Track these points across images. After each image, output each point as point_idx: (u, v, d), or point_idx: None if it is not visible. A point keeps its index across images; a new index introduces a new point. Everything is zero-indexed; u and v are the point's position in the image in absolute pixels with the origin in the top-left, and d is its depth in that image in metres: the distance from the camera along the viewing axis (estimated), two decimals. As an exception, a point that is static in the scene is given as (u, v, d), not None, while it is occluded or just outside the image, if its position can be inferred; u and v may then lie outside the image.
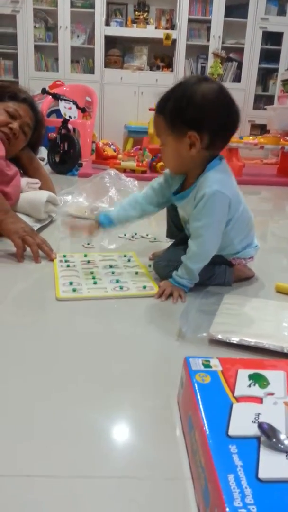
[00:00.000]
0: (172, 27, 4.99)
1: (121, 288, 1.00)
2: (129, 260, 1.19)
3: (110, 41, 4.95)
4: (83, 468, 0.50)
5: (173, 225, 1.20)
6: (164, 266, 1.04)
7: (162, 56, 5.13)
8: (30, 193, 1.52)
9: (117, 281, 1.04)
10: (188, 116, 0.89)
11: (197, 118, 0.89)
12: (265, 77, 5.26)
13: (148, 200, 1.09)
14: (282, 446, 0.45)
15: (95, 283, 1.02)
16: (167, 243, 1.29)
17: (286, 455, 0.44)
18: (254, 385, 0.55)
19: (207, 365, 0.59)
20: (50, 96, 2.96)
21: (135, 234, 1.47)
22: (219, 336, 0.77)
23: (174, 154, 0.95)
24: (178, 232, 1.18)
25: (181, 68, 5.01)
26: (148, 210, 1.10)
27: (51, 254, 1.17)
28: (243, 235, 1.03)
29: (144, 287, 1.01)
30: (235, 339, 0.76)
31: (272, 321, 0.85)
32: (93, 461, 0.51)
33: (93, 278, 1.05)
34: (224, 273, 1.05)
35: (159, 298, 0.96)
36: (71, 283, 1.01)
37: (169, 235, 1.25)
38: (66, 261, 1.16)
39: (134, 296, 0.97)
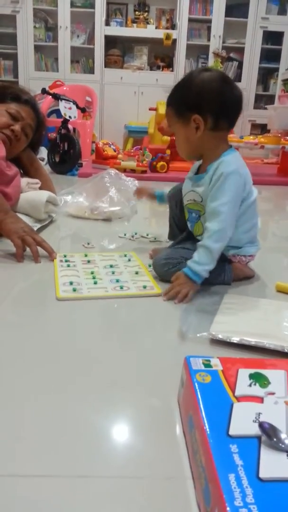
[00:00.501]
0: (173, 26, 4.99)
1: (121, 287, 1.00)
2: (129, 260, 1.19)
3: (110, 41, 4.96)
4: (83, 468, 0.50)
5: (175, 226, 1.20)
6: (163, 263, 1.03)
7: (162, 56, 5.13)
8: (30, 193, 1.52)
9: (117, 280, 1.04)
10: (189, 101, 0.96)
11: (198, 101, 0.96)
12: (265, 76, 5.26)
13: None
14: (282, 446, 0.44)
15: (95, 283, 1.02)
16: (167, 243, 1.29)
17: (287, 455, 0.44)
18: (255, 384, 0.55)
19: (207, 364, 0.59)
20: (50, 96, 2.96)
21: (135, 234, 1.47)
22: (220, 336, 0.77)
23: (184, 140, 1.01)
24: (180, 233, 1.19)
25: (182, 68, 5.01)
26: None
27: (52, 253, 1.17)
28: (249, 224, 1.04)
29: (145, 287, 1.01)
30: (235, 339, 0.76)
31: (273, 320, 0.85)
32: (93, 461, 0.51)
33: (94, 278, 1.05)
34: (224, 271, 1.04)
35: (165, 296, 0.95)
36: (71, 283, 1.01)
37: (171, 236, 1.26)
38: (66, 261, 1.16)
39: (134, 296, 0.97)
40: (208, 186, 0.99)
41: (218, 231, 0.95)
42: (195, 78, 0.97)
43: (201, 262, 0.95)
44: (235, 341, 0.76)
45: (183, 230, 1.17)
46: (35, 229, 1.31)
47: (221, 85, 0.96)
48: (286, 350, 0.73)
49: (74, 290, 0.97)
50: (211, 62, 5.00)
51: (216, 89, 0.95)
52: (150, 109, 3.85)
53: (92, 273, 1.08)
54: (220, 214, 0.95)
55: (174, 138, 1.08)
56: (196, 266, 0.94)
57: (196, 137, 0.98)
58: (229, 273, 1.05)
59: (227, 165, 0.97)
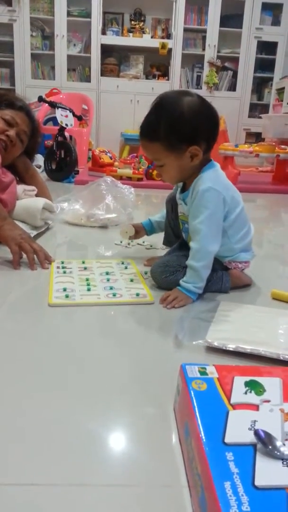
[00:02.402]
0: (168, 36, 5.04)
1: (114, 295, 1.00)
2: (126, 267, 1.20)
3: (107, 50, 4.99)
4: (79, 476, 0.49)
5: (171, 231, 1.21)
6: (160, 271, 1.04)
7: (158, 65, 5.18)
8: (27, 200, 1.52)
9: (111, 288, 1.04)
10: (184, 134, 0.93)
11: (193, 133, 0.94)
12: (260, 86, 5.32)
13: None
14: (278, 453, 0.45)
15: (88, 289, 1.02)
16: (163, 250, 1.29)
17: (282, 462, 0.44)
18: (250, 392, 0.55)
19: (203, 372, 0.59)
20: (47, 104, 2.98)
21: (131, 241, 1.47)
22: (215, 343, 0.77)
23: (176, 170, 0.99)
24: (175, 239, 1.19)
25: (177, 77, 5.06)
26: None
27: (44, 263, 1.17)
28: (241, 234, 1.05)
29: (137, 295, 1.01)
30: (231, 346, 0.76)
31: (268, 328, 0.86)
32: (89, 469, 0.51)
33: (88, 284, 1.05)
34: (221, 279, 1.05)
35: (162, 302, 0.97)
36: (64, 289, 1.01)
37: (166, 242, 1.26)
38: (63, 268, 1.16)
39: (126, 303, 0.97)
40: (191, 202, 1.00)
41: (199, 250, 0.97)
42: (181, 108, 0.92)
43: (189, 281, 0.98)
44: (231, 349, 0.76)
45: (179, 236, 1.17)
46: (32, 236, 1.31)
47: (206, 109, 0.95)
48: (281, 358, 0.73)
49: (67, 296, 0.97)
50: (206, 71, 5.05)
51: (205, 116, 0.95)
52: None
53: (87, 279, 1.08)
54: (199, 232, 0.97)
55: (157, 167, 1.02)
56: (186, 284, 0.98)
57: (190, 165, 0.97)
58: (226, 281, 1.06)
59: (203, 182, 0.97)
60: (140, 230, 1.25)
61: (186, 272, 0.99)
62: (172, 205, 1.16)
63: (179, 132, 0.93)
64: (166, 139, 0.94)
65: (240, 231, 1.05)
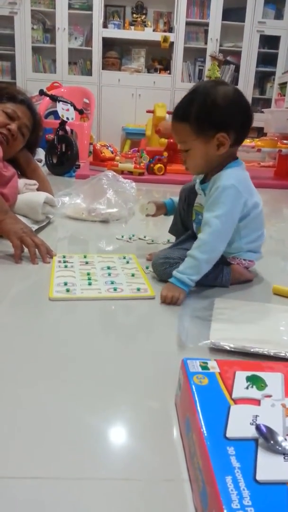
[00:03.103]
0: (170, 29, 5.00)
1: (115, 289, 1.00)
2: (128, 262, 1.19)
3: (108, 43, 4.96)
4: (80, 470, 0.50)
5: (180, 220, 1.20)
6: (161, 262, 1.03)
7: (159, 59, 5.14)
8: (28, 194, 1.52)
9: (112, 282, 1.04)
10: (215, 119, 0.93)
11: (224, 120, 0.94)
12: (262, 80, 5.29)
13: None
14: (279, 448, 0.45)
15: (89, 284, 1.02)
16: (164, 245, 1.29)
17: (284, 457, 0.44)
18: (252, 387, 0.55)
19: (204, 367, 0.59)
20: (48, 98, 2.96)
21: (133, 236, 1.47)
22: (222, 344, 0.76)
23: (202, 156, 0.98)
24: (182, 229, 1.18)
25: (179, 71, 5.03)
26: None
27: (45, 257, 1.17)
28: (253, 236, 1.05)
29: (138, 289, 1.00)
30: (238, 347, 0.75)
31: (269, 325, 0.85)
32: (91, 463, 0.51)
33: (89, 279, 1.05)
34: (221, 273, 1.04)
35: (161, 301, 0.95)
36: (65, 284, 1.01)
37: (172, 230, 1.25)
38: (64, 262, 1.16)
39: (127, 298, 0.97)
40: (209, 194, 0.99)
41: (207, 243, 0.95)
42: (216, 94, 0.93)
43: (185, 272, 0.95)
44: (238, 350, 0.74)
45: (186, 226, 1.17)
46: (33, 230, 1.31)
47: (241, 100, 0.96)
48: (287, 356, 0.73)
49: (68, 290, 0.97)
50: (208, 65, 5.02)
51: (239, 107, 0.95)
52: (147, 112, 3.85)
53: (88, 274, 1.08)
54: (212, 226, 0.95)
55: (174, 144, 1.06)
56: (178, 274, 0.95)
57: (216, 153, 0.96)
58: (226, 275, 1.05)
59: (226, 179, 0.96)
60: (161, 207, 1.24)
61: (185, 260, 0.96)
62: (186, 195, 1.16)
63: (210, 115, 0.93)
64: (196, 121, 0.94)
65: (253, 234, 1.05)
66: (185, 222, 1.19)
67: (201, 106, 0.93)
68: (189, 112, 0.94)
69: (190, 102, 0.95)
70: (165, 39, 4.82)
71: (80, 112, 3.05)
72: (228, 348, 0.75)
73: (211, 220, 0.96)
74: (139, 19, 4.91)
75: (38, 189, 1.59)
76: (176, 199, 1.23)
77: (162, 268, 1.02)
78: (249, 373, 0.58)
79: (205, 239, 0.95)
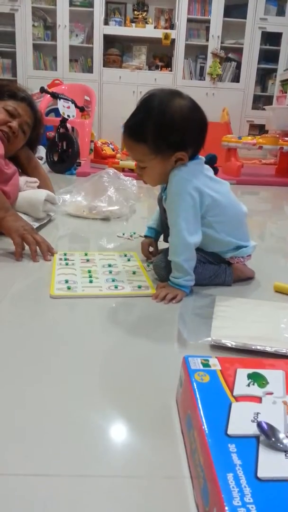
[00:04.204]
0: (171, 26, 4.99)
1: (116, 287, 1.00)
2: (129, 260, 1.19)
3: (109, 40, 4.96)
4: (81, 467, 0.50)
5: (167, 228, 1.20)
6: (163, 267, 1.03)
7: (161, 56, 5.14)
8: (29, 192, 1.52)
9: (113, 280, 1.04)
10: (173, 140, 0.91)
11: (182, 139, 0.91)
12: (264, 77, 5.28)
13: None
14: (281, 445, 0.45)
15: (90, 281, 1.02)
16: (166, 243, 1.29)
17: (285, 454, 0.44)
18: (253, 384, 0.55)
19: (206, 364, 0.59)
20: (49, 95, 2.96)
21: (134, 233, 1.47)
22: (223, 341, 0.76)
23: (159, 173, 0.97)
24: None
25: (180, 68, 5.02)
26: None
27: (46, 255, 1.17)
28: (230, 227, 1.01)
29: (139, 287, 1.00)
30: (239, 344, 0.75)
31: (270, 322, 0.85)
32: (92, 460, 0.51)
33: (90, 276, 1.05)
34: (224, 273, 1.05)
35: (155, 300, 0.96)
36: (66, 281, 1.01)
37: (166, 239, 1.25)
38: (65, 259, 1.16)
39: (128, 296, 0.97)
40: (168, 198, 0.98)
41: (177, 245, 0.96)
42: (170, 112, 0.89)
43: (177, 276, 0.97)
44: (239, 347, 0.74)
45: None
46: (34, 227, 1.31)
47: (198, 113, 0.92)
48: None
49: (69, 288, 0.97)
50: (209, 62, 5.01)
51: (196, 122, 0.92)
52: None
53: (89, 271, 1.08)
54: (174, 226, 0.95)
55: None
56: (176, 280, 0.97)
57: (173, 167, 0.94)
58: (229, 274, 1.05)
59: (176, 173, 0.94)
60: (151, 244, 1.21)
61: (171, 268, 0.97)
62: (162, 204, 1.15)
63: (168, 138, 0.90)
64: (153, 143, 0.90)
65: (229, 224, 1.01)
66: None
67: (158, 128, 0.89)
68: (145, 133, 0.90)
69: (145, 121, 0.90)
70: (167, 36, 4.81)
71: (81, 109, 3.04)
72: (229, 346, 0.75)
73: (173, 221, 0.95)
74: (140, 16, 4.90)
75: (39, 187, 1.59)
76: (152, 224, 1.20)
77: (165, 272, 1.02)
78: (251, 371, 0.58)
79: (174, 242, 0.96)
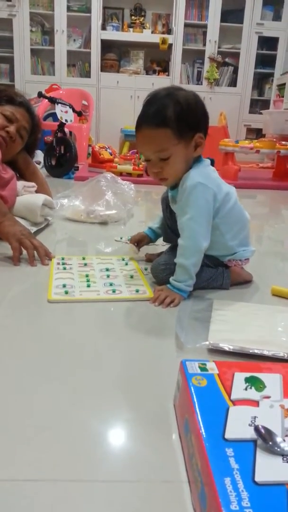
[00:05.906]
0: (168, 31, 5.02)
1: (113, 291, 1.00)
2: (126, 264, 1.19)
3: (107, 45, 4.97)
4: (79, 472, 0.49)
5: (169, 229, 1.21)
6: (162, 269, 1.03)
7: (158, 60, 5.16)
8: (26, 196, 1.52)
9: (111, 284, 1.04)
10: (192, 120, 0.93)
11: (198, 120, 0.95)
12: (260, 81, 5.30)
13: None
14: (278, 449, 0.45)
15: (88, 285, 1.02)
16: (163, 246, 1.29)
17: (283, 458, 0.44)
18: (251, 388, 0.55)
19: (203, 368, 0.59)
20: (47, 100, 2.97)
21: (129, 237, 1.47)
22: (220, 345, 0.76)
23: (182, 161, 0.96)
24: (174, 236, 1.19)
25: (177, 73, 5.04)
26: None
27: (44, 259, 1.17)
28: (235, 230, 1.03)
29: (137, 291, 1.00)
30: (236, 348, 0.75)
31: (268, 326, 0.85)
32: (89, 465, 0.51)
33: (87, 281, 1.05)
34: (222, 276, 1.05)
35: (153, 303, 0.96)
36: (64, 285, 1.01)
37: (166, 240, 1.26)
38: (63, 264, 1.16)
39: (126, 300, 0.97)
40: (180, 201, 0.98)
41: (188, 247, 0.96)
42: (185, 97, 0.93)
43: (179, 279, 0.97)
44: (237, 351, 0.74)
45: (177, 233, 1.17)
46: (32, 232, 1.31)
47: (202, 102, 0.97)
48: (286, 357, 0.73)
49: (66, 292, 0.97)
50: (206, 66, 5.03)
51: (203, 106, 0.97)
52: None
53: (86, 276, 1.08)
54: (188, 229, 0.95)
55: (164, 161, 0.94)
56: (177, 283, 0.97)
57: (192, 155, 0.96)
58: (227, 278, 1.05)
59: (191, 178, 0.95)
60: (142, 239, 1.24)
61: (175, 270, 0.97)
62: (166, 203, 1.15)
63: (187, 119, 0.92)
64: (176, 125, 0.91)
65: (234, 227, 1.03)
66: (173, 229, 1.18)
67: (178, 109, 0.91)
68: (167, 117, 0.91)
69: (164, 106, 0.91)
70: (164, 41, 4.83)
71: (79, 114, 3.05)
72: (227, 349, 0.75)
73: (186, 224, 0.95)
74: (137, 21, 4.92)
75: (36, 191, 1.59)
76: (154, 225, 1.23)
77: (164, 275, 1.02)
78: (248, 374, 0.58)
79: (185, 245, 0.96)
